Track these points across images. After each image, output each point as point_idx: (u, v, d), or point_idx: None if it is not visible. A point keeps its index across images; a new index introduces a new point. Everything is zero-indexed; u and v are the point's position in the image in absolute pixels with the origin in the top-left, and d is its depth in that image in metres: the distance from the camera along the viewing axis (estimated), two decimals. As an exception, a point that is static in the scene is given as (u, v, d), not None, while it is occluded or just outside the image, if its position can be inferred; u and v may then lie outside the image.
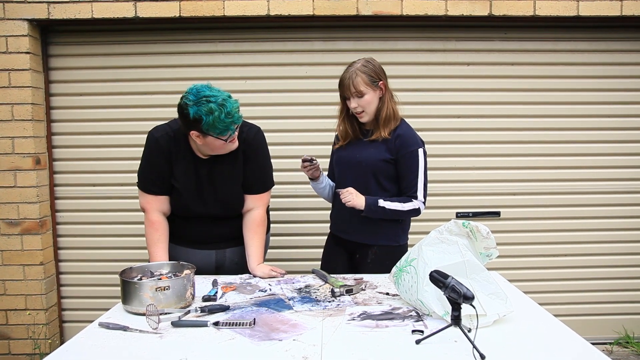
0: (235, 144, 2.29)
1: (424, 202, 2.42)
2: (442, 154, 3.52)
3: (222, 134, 2.16)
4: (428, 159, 3.41)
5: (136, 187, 2.41)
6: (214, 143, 2.20)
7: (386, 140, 2.40)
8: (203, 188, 2.36)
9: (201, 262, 2.39)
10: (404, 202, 2.38)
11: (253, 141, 2.40)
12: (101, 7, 3.17)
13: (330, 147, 2.67)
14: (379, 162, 2.39)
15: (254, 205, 2.46)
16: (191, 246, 2.45)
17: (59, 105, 3.45)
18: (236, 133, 2.25)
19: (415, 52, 3.47)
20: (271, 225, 2.72)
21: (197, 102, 2.10)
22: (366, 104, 2.37)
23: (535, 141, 3.53)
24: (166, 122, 2.41)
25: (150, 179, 2.35)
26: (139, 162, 2.39)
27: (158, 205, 2.37)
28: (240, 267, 2.48)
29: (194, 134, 2.18)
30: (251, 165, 2.41)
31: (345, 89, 2.37)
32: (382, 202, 2.35)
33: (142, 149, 2.37)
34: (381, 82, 2.39)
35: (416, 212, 2.41)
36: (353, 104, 2.37)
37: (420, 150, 2.41)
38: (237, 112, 2.17)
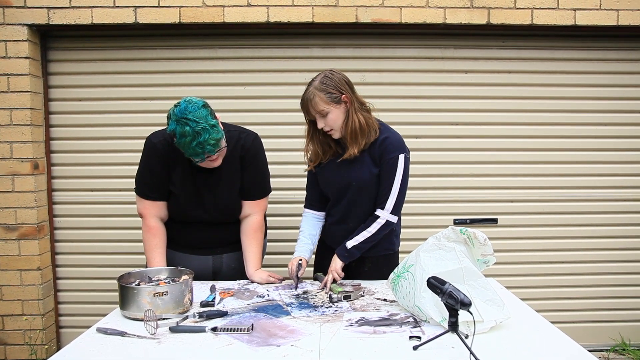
0: (217, 163, 2.26)
1: (394, 212, 2.27)
2: (439, 161, 3.53)
3: (193, 157, 2.17)
4: (425, 166, 3.47)
5: (134, 193, 2.41)
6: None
7: (370, 150, 2.28)
8: (201, 193, 2.36)
9: (198, 267, 2.38)
10: (369, 227, 2.28)
11: (251, 147, 2.41)
12: (101, 12, 3.18)
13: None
14: (369, 179, 2.29)
15: (252, 211, 2.47)
16: (188, 251, 2.45)
17: (58, 110, 3.45)
18: (217, 155, 2.21)
19: (413, 59, 3.48)
20: (268, 230, 2.72)
21: (178, 120, 2.08)
22: (332, 122, 2.23)
23: (532, 149, 3.55)
24: (164, 127, 2.42)
25: (148, 184, 2.35)
26: (137, 167, 2.39)
27: (156, 210, 2.37)
28: (238, 272, 2.49)
29: None
30: (249, 171, 2.42)
31: (306, 111, 2.27)
32: (349, 244, 2.28)
33: (141, 154, 2.38)
34: (343, 95, 2.22)
35: (386, 226, 2.28)
36: (320, 123, 2.25)
37: (402, 157, 2.26)
38: (213, 145, 2.11)
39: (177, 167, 2.33)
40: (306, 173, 2.54)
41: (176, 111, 2.10)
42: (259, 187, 2.49)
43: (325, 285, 2.24)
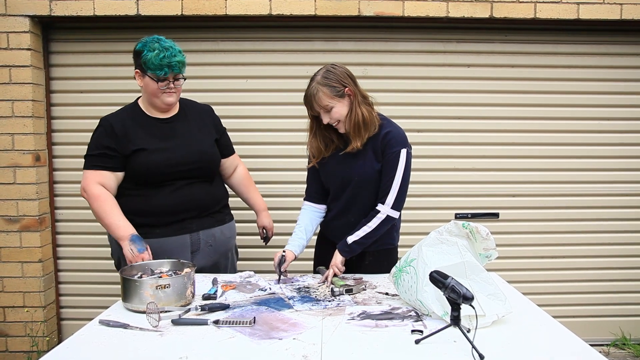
0: (172, 99, 2.39)
1: (395, 207, 2.27)
2: (441, 155, 3.53)
3: (156, 73, 2.29)
4: (427, 160, 3.47)
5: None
6: (150, 85, 2.34)
7: (373, 144, 2.28)
8: (172, 139, 2.43)
9: (177, 248, 2.39)
10: (369, 222, 2.27)
11: (214, 113, 2.69)
12: (103, 4, 3.16)
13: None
14: (370, 174, 2.29)
15: (237, 163, 2.78)
16: (161, 234, 2.40)
17: (60, 102, 3.44)
18: (173, 88, 2.36)
19: (416, 53, 3.47)
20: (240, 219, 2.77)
21: (149, 41, 2.32)
22: (337, 116, 2.22)
23: (534, 143, 3.54)
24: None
25: (94, 155, 2.39)
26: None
27: (99, 178, 2.37)
28: (214, 249, 2.53)
29: (137, 73, 2.37)
30: (225, 133, 2.72)
31: (309, 106, 2.27)
32: (350, 239, 2.27)
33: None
34: (347, 88, 2.21)
35: (388, 221, 2.28)
36: (325, 119, 2.25)
37: (404, 151, 2.26)
38: (177, 63, 2.31)
39: (134, 131, 2.39)
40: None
41: (147, 37, 2.35)
42: (231, 143, 2.77)
43: (326, 280, 2.25)
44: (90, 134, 2.37)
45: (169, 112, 2.48)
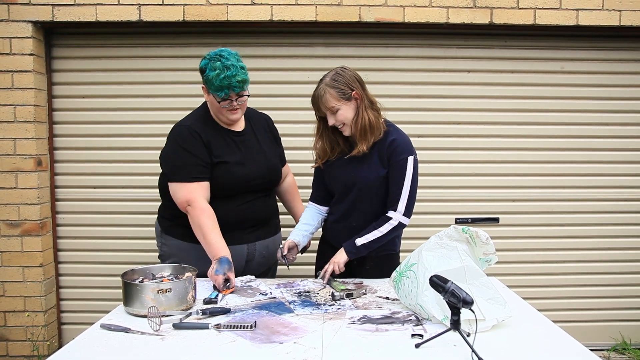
0: (236, 116, 2.40)
1: (406, 214, 2.30)
2: (442, 160, 3.54)
3: (217, 94, 2.28)
4: (427, 165, 3.47)
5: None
6: (214, 103, 2.35)
7: (379, 150, 2.30)
8: (250, 154, 2.45)
9: (233, 257, 2.33)
10: (380, 227, 2.29)
11: (273, 124, 2.72)
12: (105, 10, 3.18)
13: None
14: (374, 180, 2.31)
15: (287, 172, 2.80)
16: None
17: (62, 107, 3.46)
18: (237, 106, 2.34)
19: (416, 58, 3.49)
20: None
21: (211, 57, 2.30)
22: (343, 118, 2.25)
23: (534, 148, 3.55)
24: (185, 117, 2.52)
25: (190, 166, 2.33)
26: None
27: (204, 192, 2.34)
28: (267, 259, 2.57)
29: (203, 88, 2.37)
30: (280, 142, 2.74)
31: (316, 107, 2.30)
32: (359, 241, 2.28)
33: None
34: (354, 92, 2.25)
35: (398, 227, 2.31)
36: (331, 120, 2.27)
37: (411, 158, 2.29)
38: (239, 83, 2.27)
39: (215, 139, 2.39)
40: (311, 171, 2.56)
41: (212, 53, 2.33)
42: (284, 154, 2.78)
43: (325, 275, 2.27)
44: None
45: (238, 124, 2.49)
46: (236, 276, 2.29)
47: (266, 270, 2.66)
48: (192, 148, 2.34)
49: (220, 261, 2.20)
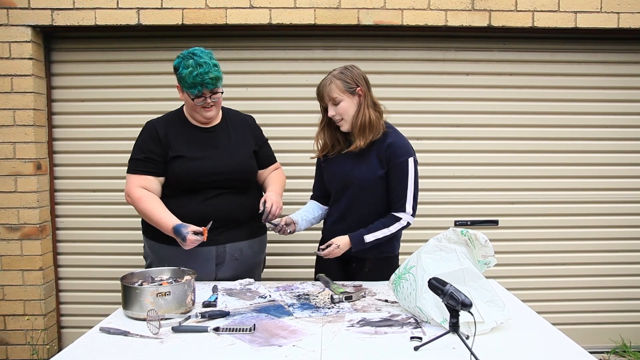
0: (211, 114, 2.42)
1: (413, 214, 2.36)
2: (441, 163, 3.54)
3: (190, 91, 2.31)
4: (426, 167, 3.47)
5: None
6: (188, 101, 2.38)
7: (377, 151, 2.33)
8: (209, 150, 2.44)
9: (201, 259, 2.38)
10: (389, 225, 2.33)
11: (255, 124, 2.69)
12: (104, 14, 3.19)
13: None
14: (371, 180, 2.33)
15: (276, 168, 2.72)
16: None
17: (61, 111, 3.46)
18: (211, 103, 2.37)
19: (415, 61, 3.50)
20: (269, 233, 2.73)
21: (185, 56, 2.32)
22: (343, 111, 2.30)
23: (533, 150, 3.56)
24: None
25: (137, 160, 2.41)
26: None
27: (142, 182, 2.38)
28: (239, 263, 2.51)
29: (177, 87, 2.40)
30: (265, 144, 2.70)
31: (320, 97, 2.35)
32: (367, 238, 2.30)
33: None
34: (359, 88, 2.31)
35: (405, 227, 2.38)
36: (331, 111, 2.32)
37: (411, 160, 2.33)
38: (212, 80, 2.28)
39: (175, 136, 2.42)
40: (309, 173, 2.56)
41: (184, 51, 2.35)
42: (272, 152, 2.74)
43: (325, 252, 2.29)
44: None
45: (211, 122, 2.51)
46: (208, 280, 2.35)
47: (239, 275, 2.50)
48: (143, 142, 2.42)
49: (176, 230, 2.24)
